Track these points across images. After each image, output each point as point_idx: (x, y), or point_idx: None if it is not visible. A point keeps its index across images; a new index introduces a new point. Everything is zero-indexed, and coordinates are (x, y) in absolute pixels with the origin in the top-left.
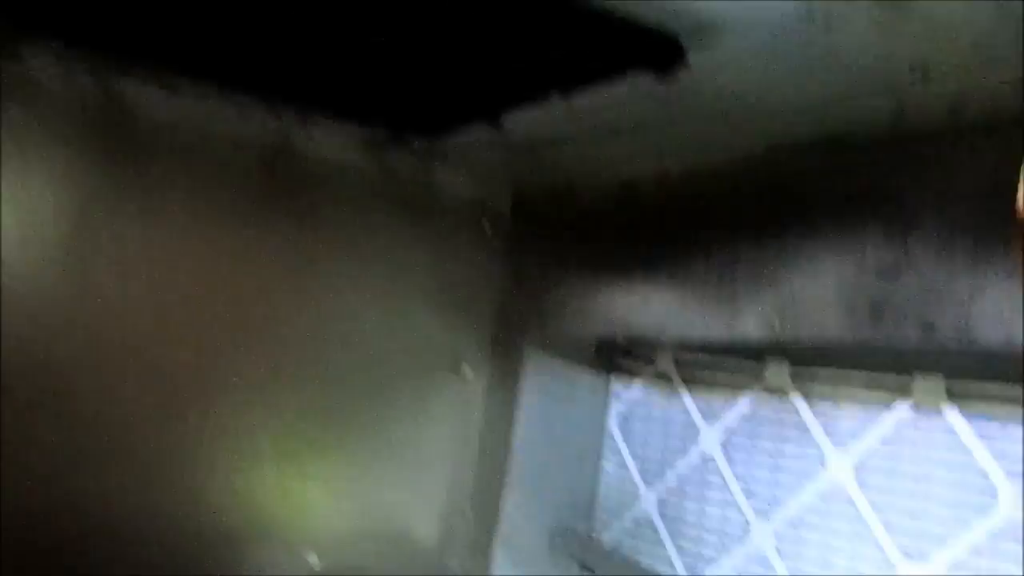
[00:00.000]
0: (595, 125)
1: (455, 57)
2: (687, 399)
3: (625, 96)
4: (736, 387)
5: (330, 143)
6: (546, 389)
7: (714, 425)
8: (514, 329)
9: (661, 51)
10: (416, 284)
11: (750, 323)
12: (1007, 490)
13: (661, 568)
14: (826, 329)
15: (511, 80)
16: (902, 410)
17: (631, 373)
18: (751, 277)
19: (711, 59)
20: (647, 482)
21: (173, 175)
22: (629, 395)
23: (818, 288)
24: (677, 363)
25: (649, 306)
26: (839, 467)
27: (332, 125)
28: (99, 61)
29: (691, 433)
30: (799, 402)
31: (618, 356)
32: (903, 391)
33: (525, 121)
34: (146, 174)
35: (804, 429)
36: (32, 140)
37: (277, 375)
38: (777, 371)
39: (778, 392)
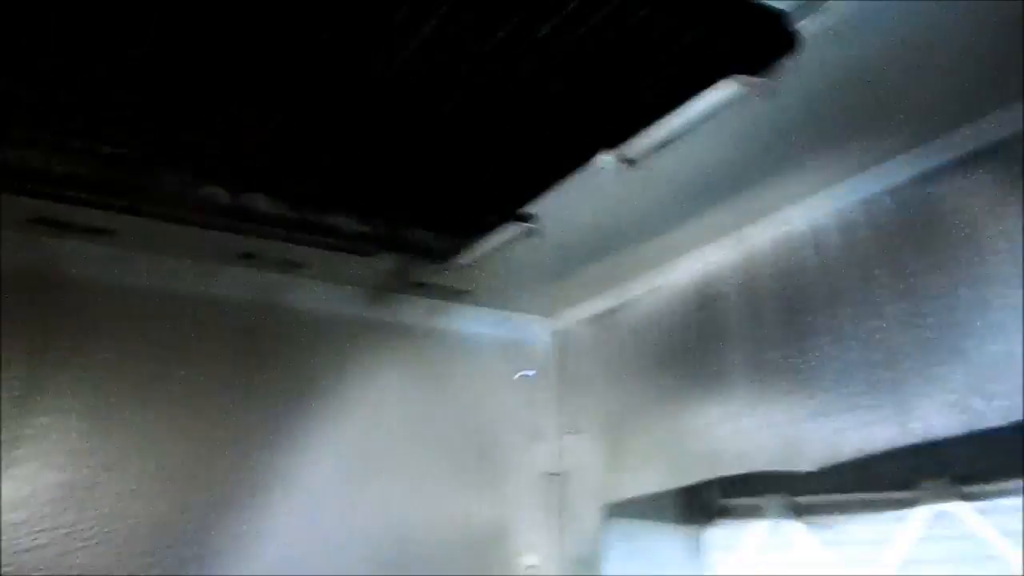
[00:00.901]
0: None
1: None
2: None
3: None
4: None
5: (324, 299)
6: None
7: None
8: (578, 494)
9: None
10: (447, 448)
11: (932, 412)
12: None
13: None
14: None
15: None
16: None
17: (733, 519)
18: (925, 350)
19: None
20: None
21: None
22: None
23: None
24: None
25: (757, 430)
26: None
27: (325, 282)
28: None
29: None
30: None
31: (713, 503)
32: None
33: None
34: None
35: None
36: None
37: None
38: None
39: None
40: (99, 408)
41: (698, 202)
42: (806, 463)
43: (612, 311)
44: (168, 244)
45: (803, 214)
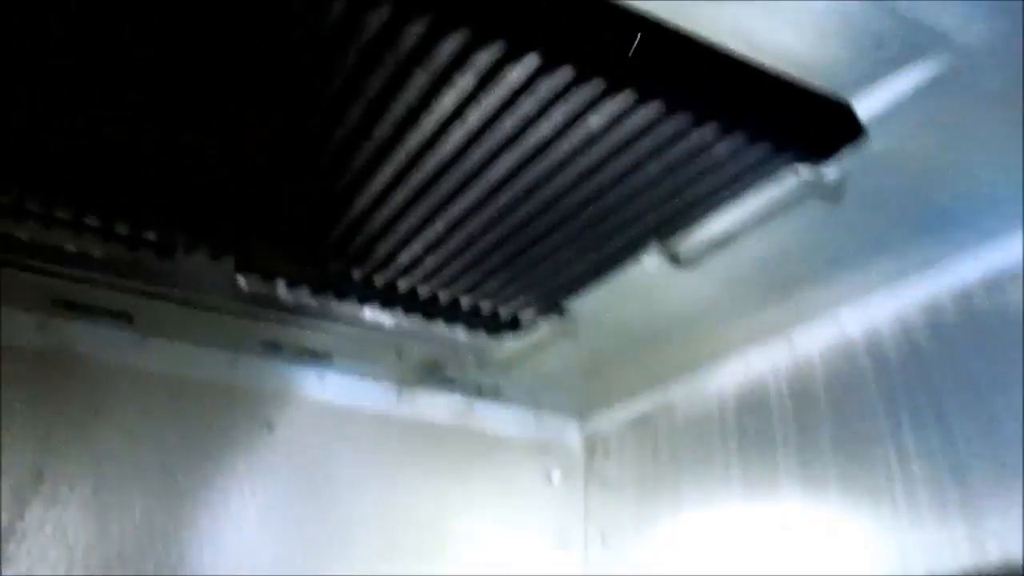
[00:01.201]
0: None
1: None
2: None
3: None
4: None
5: (348, 391)
6: None
7: None
8: None
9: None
10: (468, 551)
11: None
12: None
13: None
14: None
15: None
16: None
17: None
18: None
19: None
20: None
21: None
22: None
23: None
24: None
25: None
26: None
27: (349, 374)
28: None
29: None
30: None
31: None
32: None
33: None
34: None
35: None
36: None
37: None
38: None
39: None
40: (101, 499)
41: (745, 301)
42: None
43: (647, 414)
44: (187, 330)
45: (858, 316)
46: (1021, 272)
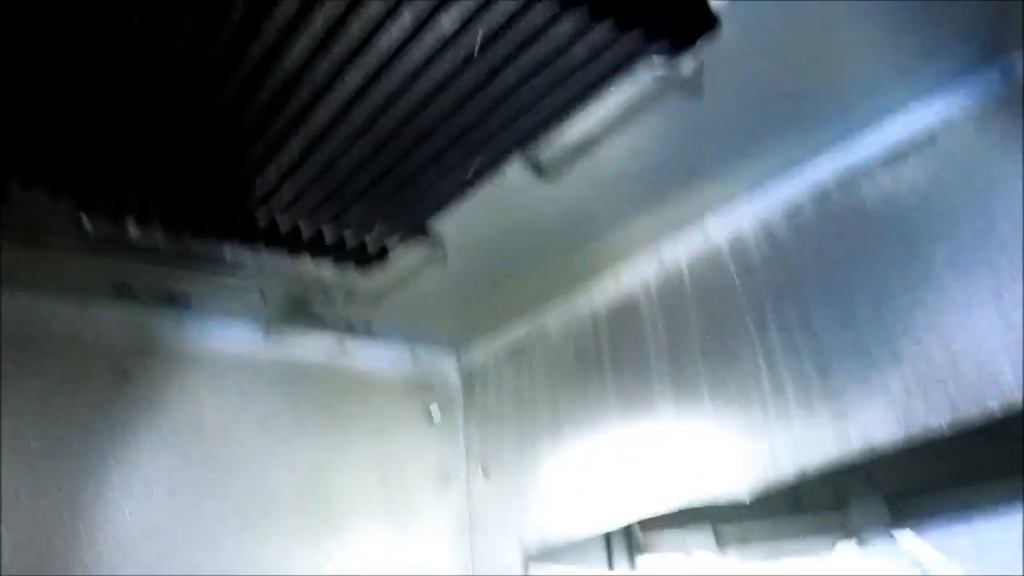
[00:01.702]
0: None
1: None
2: None
3: None
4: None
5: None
6: None
7: None
8: (494, 541)
9: None
10: (350, 495)
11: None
12: None
13: None
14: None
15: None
16: None
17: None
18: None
19: None
20: None
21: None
22: None
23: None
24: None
25: (685, 459)
26: None
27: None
28: None
29: None
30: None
31: (636, 540)
32: None
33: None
34: None
35: None
36: None
37: None
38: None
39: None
40: None
41: (613, 212)
42: (743, 491)
43: (521, 340)
44: (29, 277)
45: (722, 223)
46: (874, 167)
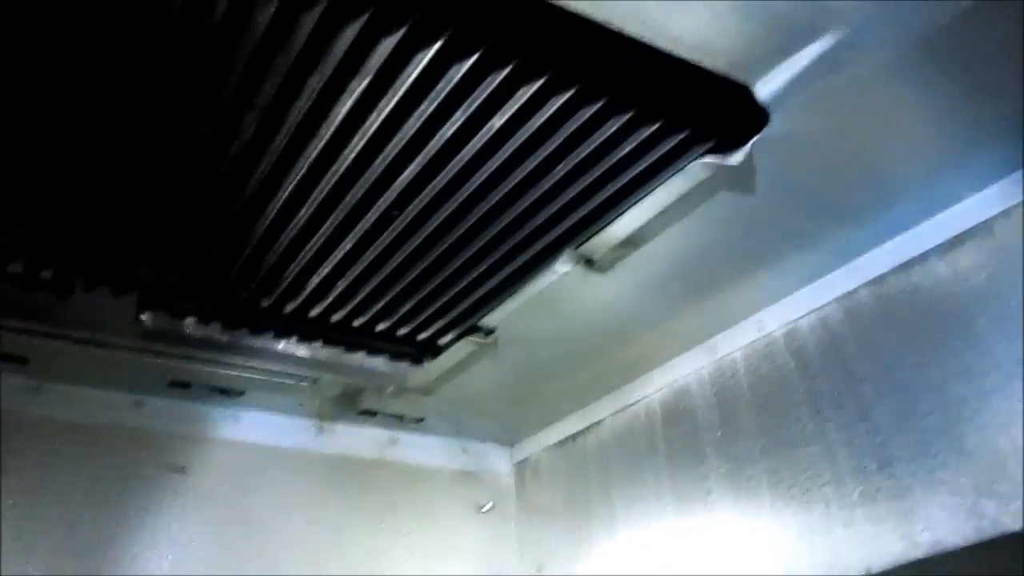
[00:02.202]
0: None
1: None
2: None
3: None
4: None
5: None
6: None
7: None
8: None
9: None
10: None
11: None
12: None
13: None
14: None
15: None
16: None
17: None
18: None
19: None
20: None
21: None
22: None
23: None
24: None
25: (744, 555)
26: None
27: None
28: None
29: None
30: None
31: None
32: None
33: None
34: None
35: None
36: None
37: None
38: None
39: None
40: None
41: (665, 306)
42: None
43: (575, 435)
44: (88, 373)
45: (777, 314)
46: (931, 257)
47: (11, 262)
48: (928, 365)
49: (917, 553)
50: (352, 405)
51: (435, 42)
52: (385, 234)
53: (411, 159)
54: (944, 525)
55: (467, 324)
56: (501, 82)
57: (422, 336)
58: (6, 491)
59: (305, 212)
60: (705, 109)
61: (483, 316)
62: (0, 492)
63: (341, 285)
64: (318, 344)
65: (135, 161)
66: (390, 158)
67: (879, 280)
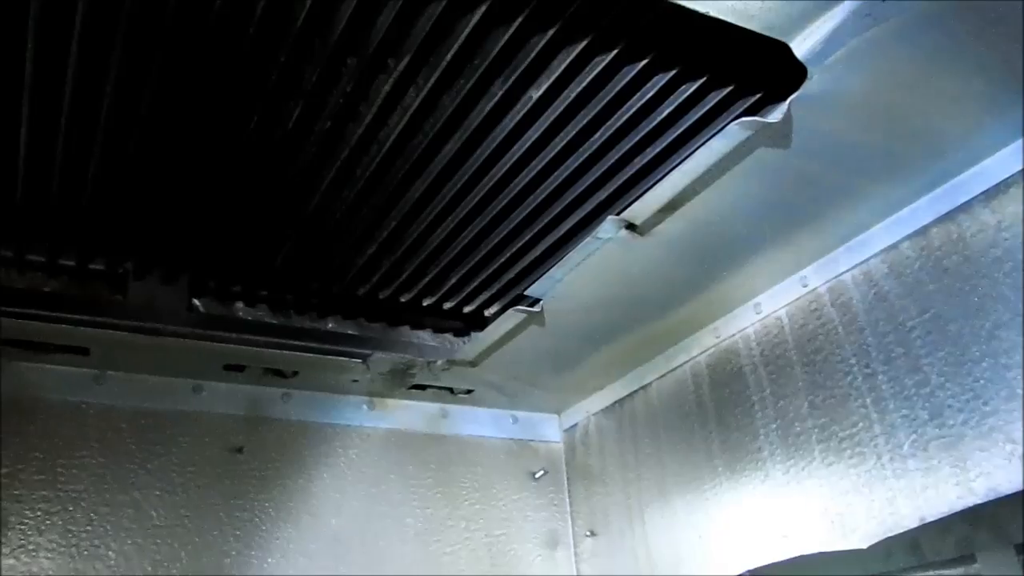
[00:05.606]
0: None
1: None
2: None
3: None
4: None
5: (318, 409)
6: None
7: None
8: None
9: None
10: (456, 560)
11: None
12: None
13: None
14: None
15: None
16: None
17: None
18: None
19: None
20: None
21: None
22: None
23: None
24: None
25: (799, 509)
26: None
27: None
28: None
29: None
30: None
31: None
32: None
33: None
34: None
35: None
36: None
37: None
38: None
39: None
40: (72, 544)
41: (708, 268)
42: (859, 539)
43: (623, 400)
44: (146, 360)
45: (821, 270)
46: (975, 206)
47: (63, 256)
48: (977, 313)
49: (973, 500)
50: (402, 381)
51: (479, 7)
52: (426, 210)
53: (450, 136)
54: (999, 472)
55: (512, 295)
56: (543, 47)
57: (468, 309)
58: (76, 479)
59: (348, 191)
60: (746, 66)
61: (528, 286)
62: (67, 478)
63: (387, 263)
64: (367, 322)
65: (198, 157)
66: (430, 135)
67: (923, 231)
